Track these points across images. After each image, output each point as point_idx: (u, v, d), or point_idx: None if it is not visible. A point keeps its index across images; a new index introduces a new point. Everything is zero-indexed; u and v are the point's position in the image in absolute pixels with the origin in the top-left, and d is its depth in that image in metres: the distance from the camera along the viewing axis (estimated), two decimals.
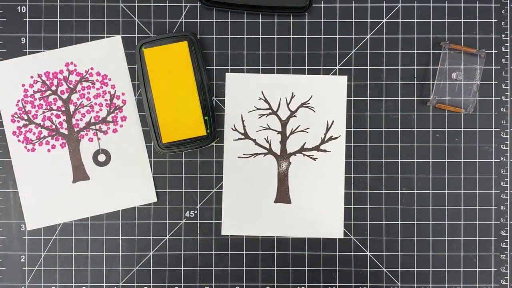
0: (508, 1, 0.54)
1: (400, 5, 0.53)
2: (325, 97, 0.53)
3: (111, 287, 0.53)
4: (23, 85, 0.53)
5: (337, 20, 0.53)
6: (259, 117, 0.53)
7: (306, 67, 0.53)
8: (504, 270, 0.53)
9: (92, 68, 0.53)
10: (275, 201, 0.53)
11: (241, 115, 0.53)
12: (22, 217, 0.53)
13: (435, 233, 0.53)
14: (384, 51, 0.53)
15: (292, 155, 0.53)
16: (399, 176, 0.53)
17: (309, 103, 0.53)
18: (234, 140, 0.53)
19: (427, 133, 0.53)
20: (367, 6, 0.53)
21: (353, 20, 0.53)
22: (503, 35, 0.53)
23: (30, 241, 0.53)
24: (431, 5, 0.53)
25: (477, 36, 0.54)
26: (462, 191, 0.53)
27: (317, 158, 0.53)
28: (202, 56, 0.52)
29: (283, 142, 0.53)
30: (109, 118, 0.53)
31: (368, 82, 0.53)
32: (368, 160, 0.53)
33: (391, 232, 0.53)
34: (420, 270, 0.53)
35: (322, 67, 0.53)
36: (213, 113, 0.52)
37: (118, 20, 0.53)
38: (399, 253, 0.53)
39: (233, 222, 0.53)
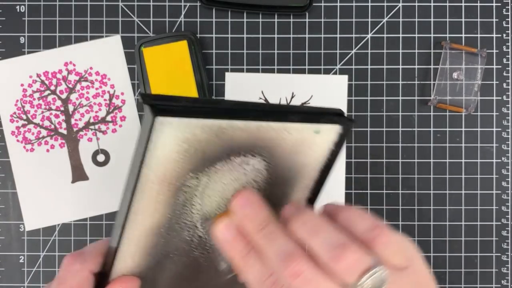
0: (509, 1, 0.53)
1: (400, 4, 0.53)
2: (326, 97, 0.53)
3: None
4: (22, 85, 0.53)
5: (338, 20, 0.53)
6: None
7: (306, 67, 0.53)
8: (505, 271, 0.53)
9: (91, 68, 0.53)
10: None
11: None
12: (21, 218, 0.53)
13: (436, 234, 0.53)
14: (384, 51, 0.53)
15: None
16: (400, 176, 0.53)
17: (309, 103, 0.53)
18: None
19: (428, 133, 0.53)
20: (368, 6, 0.53)
21: (354, 20, 0.53)
22: (504, 35, 0.53)
23: (29, 241, 0.53)
24: (432, 4, 0.53)
25: (478, 35, 0.53)
26: (463, 191, 0.53)
27: None
28: (202, 55, 0.52)
29: None
30: (108, 118, 0.53)
31: (369, 82, 0.53)
32: (368, 160, 0.53)
33: None
34: None
35: (322, 67, 0.53)
36: None
37: (117, 19, 0.53)
38: None
39: None
